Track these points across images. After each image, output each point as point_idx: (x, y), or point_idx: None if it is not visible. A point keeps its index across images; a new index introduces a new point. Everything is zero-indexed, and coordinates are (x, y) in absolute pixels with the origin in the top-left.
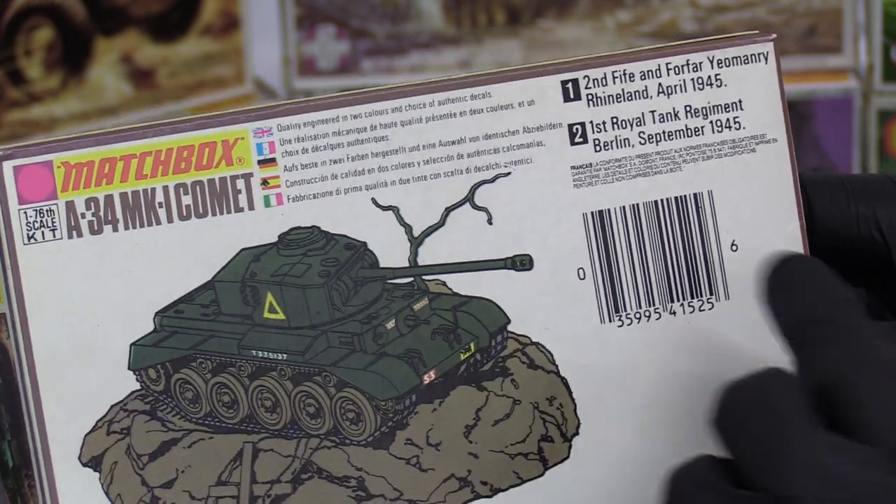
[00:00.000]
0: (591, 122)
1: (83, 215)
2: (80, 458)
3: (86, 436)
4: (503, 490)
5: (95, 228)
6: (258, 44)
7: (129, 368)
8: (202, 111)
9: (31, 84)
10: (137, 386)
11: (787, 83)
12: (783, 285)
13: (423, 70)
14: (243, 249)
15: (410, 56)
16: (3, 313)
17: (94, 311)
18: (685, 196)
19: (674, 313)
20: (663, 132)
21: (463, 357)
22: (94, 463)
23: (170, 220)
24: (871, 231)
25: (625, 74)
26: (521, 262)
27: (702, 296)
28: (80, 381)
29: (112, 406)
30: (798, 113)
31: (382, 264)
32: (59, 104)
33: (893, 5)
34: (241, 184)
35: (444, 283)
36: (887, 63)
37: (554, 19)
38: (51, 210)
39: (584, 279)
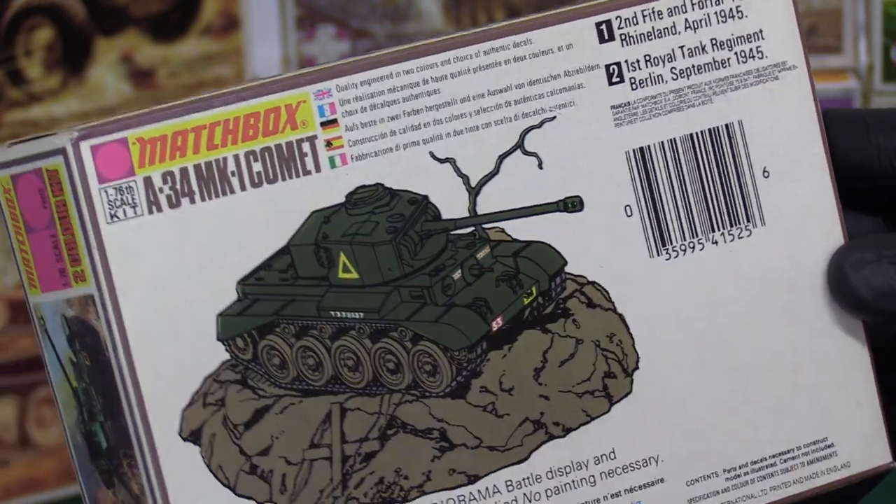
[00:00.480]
0: (626, 61)
1: (161, 189)
2: (180, 433)
3: (184, 410)
4: (574, 429)
5: (174, 202)
6: (258, 44)
7: (217, 339)
8: None
9: (31, 84)
10: (227, 356)
11: None
12: None
13: None
14: (314, 211)
15: None
16: (91, 294)
17: (180, 285)
18: (717, 128)
19: (716, 243)
20: (693, 66)
21: (526, 301)
22: (194, 437)
23: (243, 188)
24: (892, 162)
25: (654, 12)
26: (573, 204)
27: (740, 223)
28: (173, 356)
29: (205, 378)
30: None
31: (444, 216)
32: (59, 104)
33: (893, 5)
34: (306, 147)
35: (502, 230)
36: (887, 63)
37: None
38: (130, 187)
39: (631, 216)
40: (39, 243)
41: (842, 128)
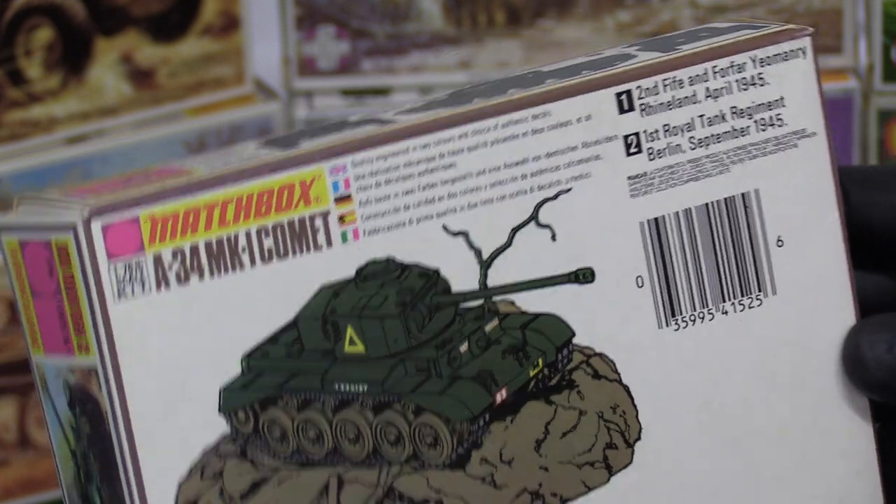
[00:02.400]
0: (645, 131)
1: (170, 266)
2: (175, 503)
3: (181, 483)
4: (572, 500)
5: (182, 279)
6: (258, 44)
7: (219, 412)
8: (203, 111)
9: (31, 84)
10: (227, 429)
11: None
12: None
13: (424, 70)
14: (323, 286)
15: (410, 56)
16: (95, 367)
17: (184, 360)
18: (733, 197)
19: (726, 313)
20: (712, 135)
21: (532, 373)
22: None
23: (252, 264)
24: None
25: (675, 81)
26: (584, 276)
27: (751, 293)
28: (172, 429)
29: (205, 451)
30: None
31: (454, 289)
32: (59, 104)
33: (893, 5)
34: (319, 222)
35: (512, 303)
36: (887, 63)
37: (554, 19)
38: (139, 264)
39: (641, 287)
40: (45, 308)
41: (859, 185)
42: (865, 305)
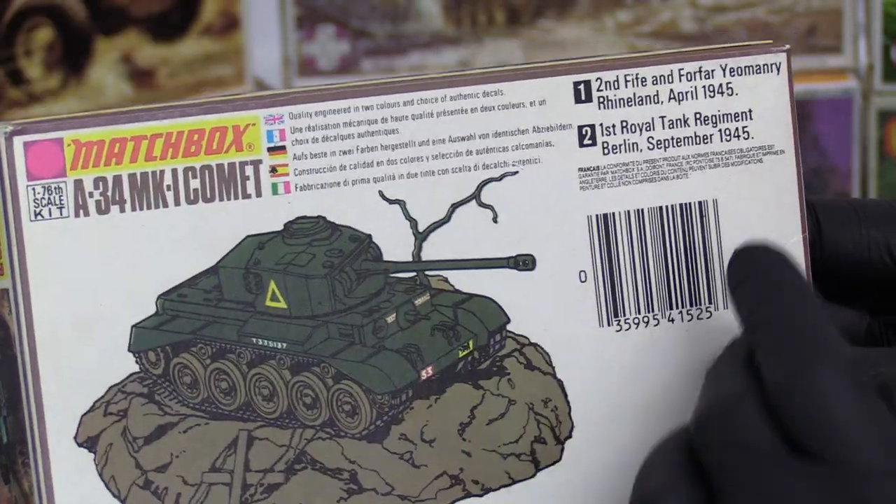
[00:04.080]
0: (601, 124)
1: (91, 194)
2: (75, 437)
3: (82, 416)
4: (494, 490)
5: (103, 208)
6: (258, 44)
7: (129, 350)
8: None
9: (31, 84)
10: (136, 368)
11: None
12: (741, 276)
13: (424, 70)
14: (248, 236)
15: (410, 56)
16: (6, 289)
17: (96, 291)
18: (690, 203)
19: (672, 320)
20: (672, 138)
21: (461, 354)
22: (89, 443)
23: (177, 204)
24: (882, 256)
25: (637, 78)
26: (524, 262)
27: (701, 304)
28: (79, 360)
29: (110, 387)
30: (798, 113)
31: (386, 258)
32: (59, 104)
33: (893, 5)
34: (249, 170)
35: (446, 280)
36: (887, 63)
37: (554, 19)
38: (59, 188)
39: (584, 282)
40: None
41: (834, 219)
42: None
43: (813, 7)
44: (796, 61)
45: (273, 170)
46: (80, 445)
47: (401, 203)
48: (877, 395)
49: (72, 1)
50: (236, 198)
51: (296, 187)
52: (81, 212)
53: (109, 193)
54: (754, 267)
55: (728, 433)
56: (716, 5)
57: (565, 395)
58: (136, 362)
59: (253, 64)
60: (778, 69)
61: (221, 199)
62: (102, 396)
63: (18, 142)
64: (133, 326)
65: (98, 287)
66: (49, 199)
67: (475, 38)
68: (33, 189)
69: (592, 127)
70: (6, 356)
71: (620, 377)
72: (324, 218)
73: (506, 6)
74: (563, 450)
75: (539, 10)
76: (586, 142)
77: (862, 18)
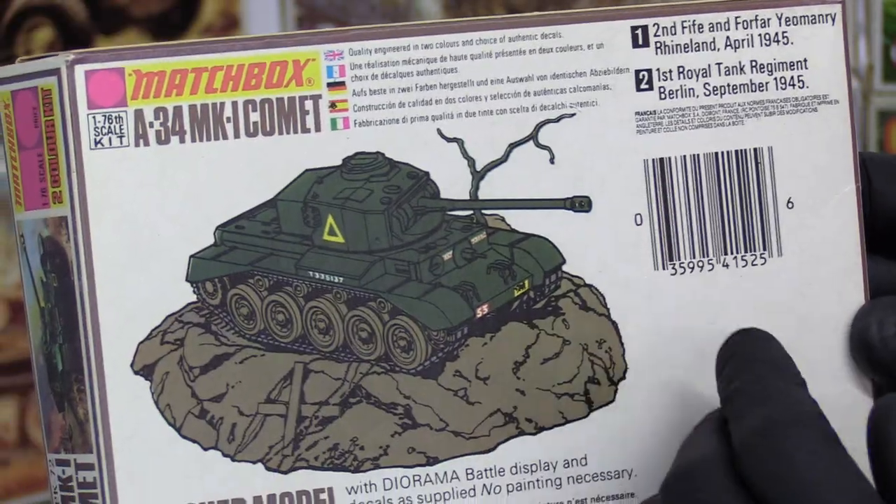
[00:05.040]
0: (658, 69)
1: (151, 124)
2: (132, 365)
3: (139, 344)
4: (547, 428)
5: (162, 138)
6: None
7: (186, 280)
8: None
9: None
10: (194, 298)
11: None
12: (725, 358)
13: None
14: (307, 170)
15: None
16: (64, 216)
17: (155, 221)
18: (745, 150)
19: (726, 266)
20: (728, 85)
21: (517, 293)
22: (145, 372)
23: (236, 136)
24: None
25: (694, 25)
26: (581, 204)
27: (755, 250)
28: (137, 288)
29: (168, 316)
30: None
31: (443, 196)
32: None
33: (893, 5)
34: (309, 105)
35: (502, 219)
36: (887, 63)
37: None
38: (119, 117)
39: (640, 225)
40: (28, 161)
41: (883, 172)
42: (877, 292)
43: None
44: None
45: (332, 105)
46: (136, 373)
47: (459, 141)
48: (844, 450)
49: (72, 1)
50: (296, 132)
51: (355, 123)
52: (141, 141)
53: (169, 124)
54: (736, 348)
55: (692, 495)
56: None
57: (619, 337)
58: (194, 292)
59: None
60: (833, 20)
61: (281, 133)
62: (159, 325)
63: (80, 70)
64: (191, 257)
65: (156, 217)
66: (109, 127)
67: None
68: (94, 117)
69: (649, 71)
70: (63, 283)
71: (674, 320)
72: (382, 154)
73: (506, 5)
74: (616, 391)
75: (539, 8)
76: (643, 86)
77: (862, 18)
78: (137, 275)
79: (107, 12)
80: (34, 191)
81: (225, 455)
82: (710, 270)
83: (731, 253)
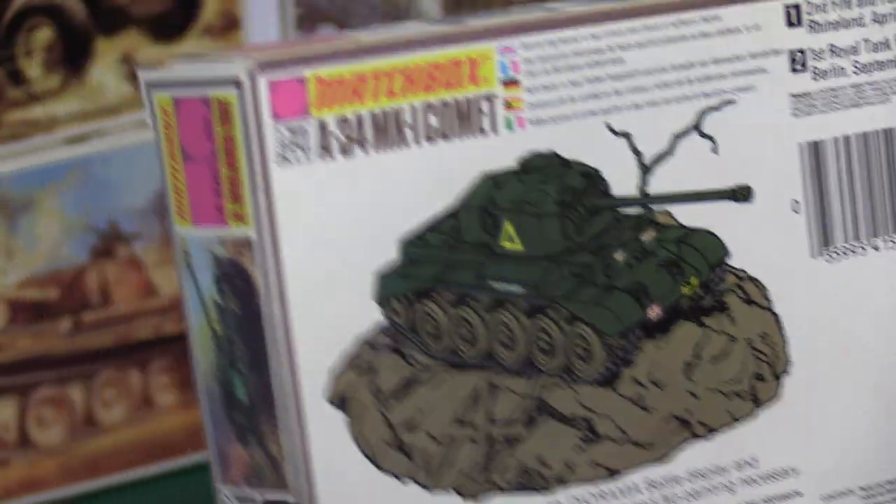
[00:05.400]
0: (811, 49)
1: (335, 135)
2: (326, 396)
3: (332, 371)
4: (717, 431)
5: (346, 150)
6: None
7: (373, 299)
8: None
9: (31, 84)
10: (380, 318)
11: None
12: None
13: None
14: (485, 174)
15: None
16: (250, 237)
17: (343, 238)
18: (893, 129)
19: (877, 248)
20: (875, 62)
21: (685, 291)
22: (340, 402)
23: (417, 143)
24: None
25: (844, 0)
26: (743, 194)
27: None
28: (327, 312)
29: (358, 340)
30: None
31: (613, 192)
32: (59, 104)
33: None
34: (485, 105)
35: (669, 214)
36: None
37: None
38: (304, 128)
39: (796, 212)
40: (197, 173)
41: None
42: None
43: None
44: None
45: (508, 104)
46: (330, 404)
47: (627, 136)
48: None
49: (72, 1)
50: (472, 135)
51: (529, 122)
52: (327, 154)
53: (354, 134)
54: None
55: None
56: None
57: (781, 329)
58: (382, 313)
59: None
60: None
61: (458, 137)
62: (350, 350)
63: (263, 80)
64: (376, 274)
65: (344, 233)
66: (295, 141)
67: None
68: (279, 130)
69: (803, 52)
70: (248, 310)
71: (830, 309)
72: (556, 154)
73: (506, 5)
74: (780, 385)
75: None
76: (797, 67)
77: None
78: (327, 297)
79: (107, 12)
80: (206, 206)
81: (423, 487)
82: (862, 254)
83: (881, 235)
